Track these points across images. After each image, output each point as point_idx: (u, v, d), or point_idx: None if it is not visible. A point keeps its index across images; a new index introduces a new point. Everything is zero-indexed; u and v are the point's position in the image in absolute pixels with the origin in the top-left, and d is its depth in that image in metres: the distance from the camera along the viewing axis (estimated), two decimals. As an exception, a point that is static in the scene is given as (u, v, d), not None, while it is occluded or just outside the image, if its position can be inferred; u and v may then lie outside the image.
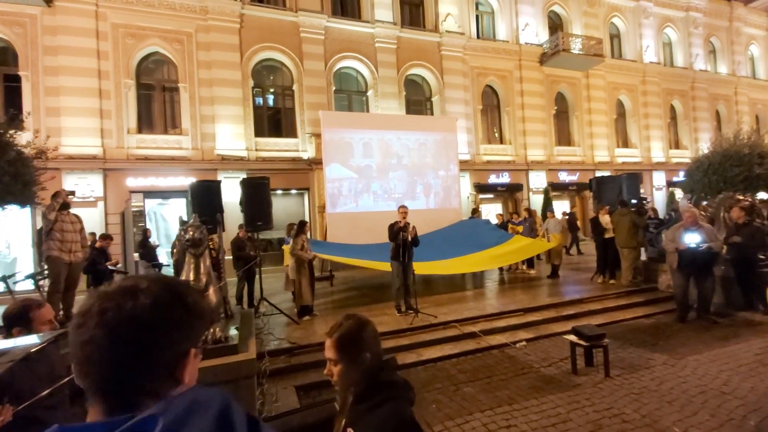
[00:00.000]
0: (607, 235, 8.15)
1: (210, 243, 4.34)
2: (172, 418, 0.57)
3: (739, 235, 6.41)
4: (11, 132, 5.14)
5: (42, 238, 5.67)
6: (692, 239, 5.85)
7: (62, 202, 5.54)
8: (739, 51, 23.22)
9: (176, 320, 0.68)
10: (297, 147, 13.67)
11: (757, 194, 9.55)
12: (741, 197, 7.30)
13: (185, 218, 6.04)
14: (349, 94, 15.17)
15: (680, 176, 15.85)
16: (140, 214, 12.33)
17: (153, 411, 0.59)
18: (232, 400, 0.66)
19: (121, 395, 0.63)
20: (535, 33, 17.57)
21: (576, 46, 17.15)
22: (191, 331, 0.71)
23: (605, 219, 8.22)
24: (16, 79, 11.12)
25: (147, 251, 9.42)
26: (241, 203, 6.37)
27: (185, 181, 12.08)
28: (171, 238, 12.55)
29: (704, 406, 3.65)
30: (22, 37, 11.11)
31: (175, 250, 5.17)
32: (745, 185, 8.76)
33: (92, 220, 10.94)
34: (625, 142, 19.99)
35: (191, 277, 4.02)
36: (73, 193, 5.94)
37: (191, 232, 3.84)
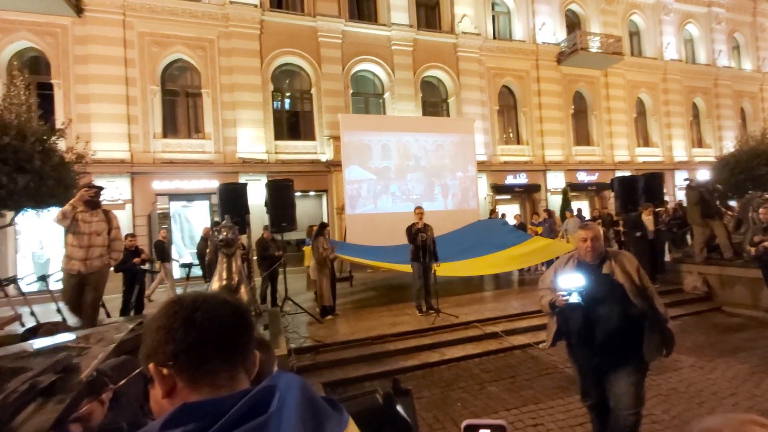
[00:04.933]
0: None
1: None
2: (283, 388, 0.69)
3: (766, 236, 6.26)
4: (54, 138, 5.41)
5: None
6: (571, 283, 2.47)
7: (87, 199, 4.59)
8: (764, 47, 22.54)
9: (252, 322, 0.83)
10: (315, 149, 13.86)
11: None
12: (769, 197, 7.13)
13: (218, 220, 6.18)
14: (366, 97, 15.30)
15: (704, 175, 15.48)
16: (165, 216, 12.71)
17: (266, 383, 0.70)
18: (304, 380, 0.77)
19: (237, 363, 0.76)
20: (553, 32, 17.41)
21: (594, 45, 16.93)
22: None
23: (649, 219, 7.91)
24: (49, 87, 11.58)
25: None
26: (266, 205, 6.54)
27: (208, 183, 12.40)
28: (195, 239, 12.89)
29: (735, 408, 3.62)
30: (54, 46, 11.58)
31: (208, 251, 5.35)
32: (773, 184, 8.55)
33: (121, 223, 11.29)
34: (645, 141, 19.61)
35: (224, 276, 4.19)
36: (94, 188, 4.78)
37: (224, 233, 4.00)
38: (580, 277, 2.47)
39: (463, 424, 0.84)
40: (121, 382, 1.56)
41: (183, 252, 13.13)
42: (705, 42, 21.05)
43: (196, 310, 0.75)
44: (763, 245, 6.02)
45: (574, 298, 2.44)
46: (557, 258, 10.10)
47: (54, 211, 5.55)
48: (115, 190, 11.52)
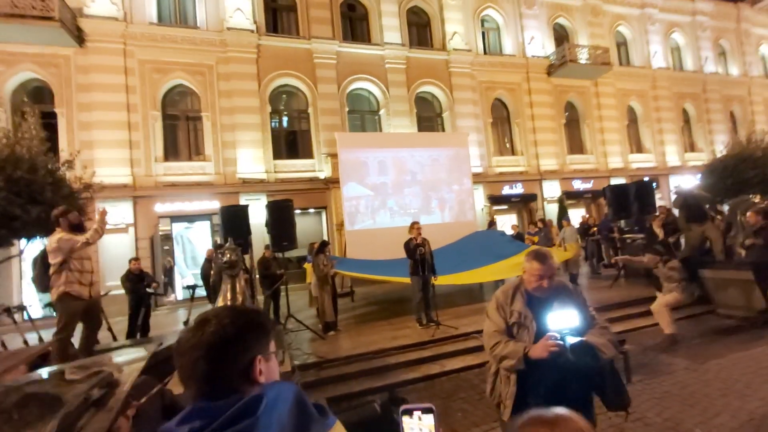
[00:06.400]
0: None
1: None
2: (271, 397, 0.85)
3: (756, 238, 6.42)
4: (63, 169, 5.62)
5: (42, 269, 4.39)
6: (561, 321, 1.91)
7: (76, 223, 4.50)
8: (749, 51, 23.06)
9: (232, 341, 0.89)
10: (314, 167, 14.13)
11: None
12: (757, 200, 7.32)
13: (220, 242, 6.32)
14: (362, 114, 15.65)
15: (696, 179, 15.72)
16: (167, 238, 12.88)
17: (256, 392, 0.86)
18: (300, 387, 0.93)
19: (213, 394, 0.87)
20: (542, 45, 17.88)
21: (583, 56, 17.36)
22: (247, 343, 0.91)
23: (660, 231, 7.66)
24: (52, 115, 11.88)
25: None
26: (267, 225, 6.73)
27: (209, 204, 12.62)
28: (197, 260, 13.03)
29: (726, 408, 3.74)
30: (57, 76, 11.92)
31: (212, 272, 5.51)
32: (761, 188, 8.75)
33: (123, 246, 11.51)
34: (638, 148, 19.91)
35: (228, 296, 4.35)
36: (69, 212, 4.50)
37: (228, 255, 4.17)
38: (572, 313, 1.92)
39: (401, 408, 1.03)
40: (143, 400, 1.74)
41: (185, 273, 13.27)
42: (691, 49, 21.55)
43: (178, 346, 0.90)
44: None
45: (572, 341, 1.82)
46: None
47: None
48: (117, 214, 11.71)
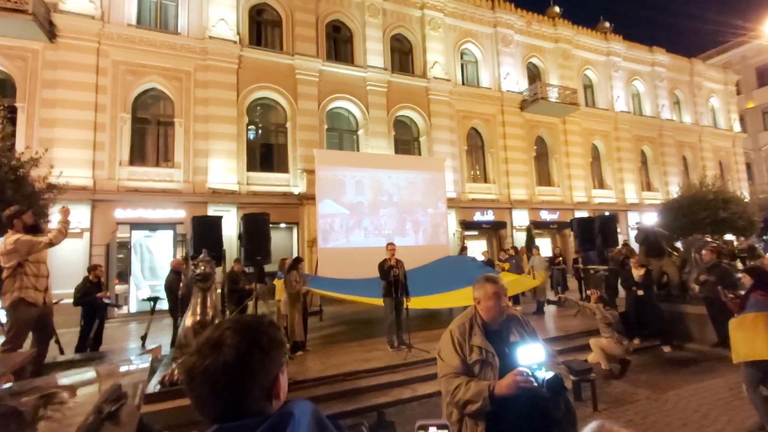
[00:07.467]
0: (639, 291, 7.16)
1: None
2: (297, 414, 0.82)
3: (710, 275, 6.85)
4: (27, 167, 5.24)
5: None
6: (530, 356, 1.77)
7: (31, 224, 4.26)
8: (700, 103, 25.25)
9: (257, 363, 0.84)
10: (288, 182, 13.94)
11: (725, 236, 10.26)
12: (709, 239, 7.84)
13: (194, 254, 6.00)
14: (341, 133, 15.72)
15: (654, 217, 16.70)
16: (124, 246, 12.19)
17: (285, 410, 0.84)
18: (316, 406, 0.91)
19: (236, 417, 0.81)
20: (516, 81, 18.81)
21: (553, 95, 18.40)
22: (271, 363, 0.87)
23: (638, 272, 7.30)
24: (12, 110, 11.17)
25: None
26: (239, 237, 6.51)
27: (174, 213, 12.14)
28: (156, 271, 12.40)
29: (687, 439, 3.87)
30: (23, 70, 11.31)
31: (181, 284, 5.23)
32: (712, 228, 9.40)
33: (77, 252, 10.79)
34: (601, 184, 21.05)
35: (198, 311, 4.13)
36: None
37: (202, 267, 3.98)
38: (539, 347, 1.81)
39: (417, 424, 1.03)
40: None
41: (141, 285, 12.52)
42: (650, 96, 23.34)
43: (191, 372, 0.82)
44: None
45: (546, 376, 1.67)
46: (522, 294, 10.54)
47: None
48: (72, 217, 10.97)
